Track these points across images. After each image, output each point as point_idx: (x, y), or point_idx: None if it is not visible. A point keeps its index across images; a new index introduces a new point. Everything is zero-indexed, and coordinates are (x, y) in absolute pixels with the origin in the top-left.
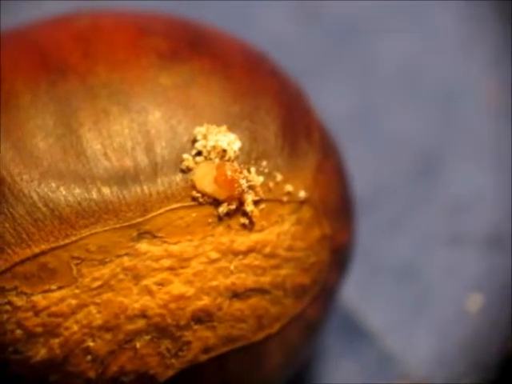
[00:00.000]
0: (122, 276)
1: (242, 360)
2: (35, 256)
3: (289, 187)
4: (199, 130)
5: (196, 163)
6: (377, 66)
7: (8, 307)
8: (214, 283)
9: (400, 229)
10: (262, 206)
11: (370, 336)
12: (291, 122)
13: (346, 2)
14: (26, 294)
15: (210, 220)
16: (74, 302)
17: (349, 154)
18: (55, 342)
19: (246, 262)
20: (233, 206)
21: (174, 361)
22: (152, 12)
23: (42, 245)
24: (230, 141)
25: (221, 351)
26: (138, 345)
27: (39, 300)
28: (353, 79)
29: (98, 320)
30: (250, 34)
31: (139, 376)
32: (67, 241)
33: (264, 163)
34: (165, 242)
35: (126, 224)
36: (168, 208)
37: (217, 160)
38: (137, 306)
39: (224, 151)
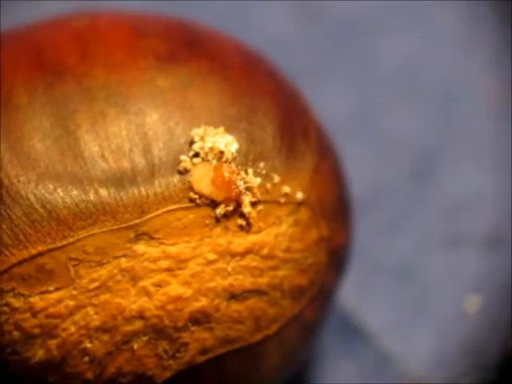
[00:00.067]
0: (119, 277)
1: (239, 361)
2: (32, 257)
3: (286, 188)
4: (197, 132)
5: (193, 165)
6: (377, 66)
7: (6, 308)
8: (212, 284)
9: (399, 229)
10: (260, 207)
11: (368, 337)
12: (289, 124)
13: (345, 1)
14: (23, 295)
15: (207, 221)
16: (71, 303)
17: (348, 153)
18: (53, 343)
19: (243, 263)
20: (230, 208)
21: (171, 362)
22: (150, 13)
23: (40, 246)
24: (227, 142)
25: (218, 352)
26: (135, 346)
27: (37, 301)
28: (353, 79)
29: (96, 321)
30: (249, 34)
31: (137, 377)
32: (64, 242)
33: (261, 165)
34: (162, 243)
35: (124, 225)
36: (165, 209)
37: (214, 161)
38: (134, 307)
39: (221, 153)
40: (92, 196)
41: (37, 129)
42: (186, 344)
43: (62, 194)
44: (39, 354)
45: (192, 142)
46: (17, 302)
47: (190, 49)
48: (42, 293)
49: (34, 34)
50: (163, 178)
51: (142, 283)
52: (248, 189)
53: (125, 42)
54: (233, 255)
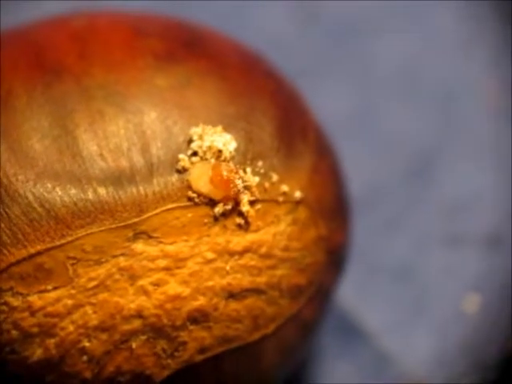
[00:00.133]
0: (117, 276)
1: (237, 360)
2: (31, 256)
3: (284, 187)
4: (195, 131)
5: (192, 163)
6: (376, 66)
7: (4, 307)
8: (210, 283)
9: (398, 229)
10: (258, 206)
11: (367, 336)
12: (287, 123)
13: (345, 1)
14: (21, 294)
15: (205, 220)
16: (69, 302)
17: (347, 153)
18: (51, 342)
19: (241, 262)
20: (228, 207)
21: (169, 361)
22: (148, 13)
23: (38, 245)
24: (225, 141)
25: (216, 351)
26: (133, 345)
27: (35, 300)
28: (352, 79)
29: (94, 320)
30: (248, 34)
31: (135, 376)
32: (63, 241)
33: (260, 163)
34: (161, 242)
35: (122, 224)
36: (164, 208)
37: (212, 160)
38: (133, 306)
39: (220, 151)
40: (90, 195)
41: (35, 128)
42: (184, 343)
43: (60, 193)
44: (37, 353)
45: (190, 141)
46: (15, 301)
47: (188, 48)
48: (41, 292)
49: (34, 34)
50: (162, 177)
51: (141, 282)
52: (246, 188)
53: (123, 42)
54: (231, 254)
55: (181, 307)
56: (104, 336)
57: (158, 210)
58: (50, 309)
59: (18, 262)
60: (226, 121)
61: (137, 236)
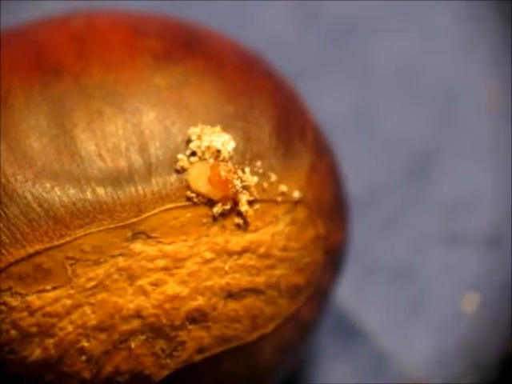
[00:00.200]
0: (116, 276)
1: (236, 360)
2: (30, 256)
3: (283, 187)
4: (193, 131)
5: (190, 163)
6: (375, 66)
7: (3, 307)
8: (209, 283)
9: (396, 228)
10: (257, 206)
11: (365, 336)
12: (285, 123)
13: (344, 1)
14: (20, 294)
15: (204, 220)
16: (68, 302)
17: (346, 153)
18: (50, 342)
19: (240, 262)
20: (227, 206)
21: (168, 361)
22: (147, 13)
23: (37, 245)
24: (224, 141)
25: (215, 351)
26: (132, 345)
27: (34, 300)
28: (351, 79)
29: (93, 320)
30: (248, 34)
31: (134, 376)
32: (62, 241)
33: (258, 163)
34: (159, 242)
35: (121, 224)
36: (162, 208)
37: (211, 160)
38: (131, 306)
39: (218, 151)
40: (89, 195)
41: (33, 127)
42: (183, 343)
43: (59, 193)
44: (36, 353)
45: (189, 141)
46: (14, 301)
47: (187, 48)
48: (39, 292)
49: (33, 34)
50: (160, 177)
51: (139, 282)
52: (245, 187)
53: (122, 42)
54: (230, 254)
55: (179, 307)
56: (103, 336)
57: (156, 210)
58: (48, 309)
59: (17, 262)
60: (225, 120)
61: (135, 236)
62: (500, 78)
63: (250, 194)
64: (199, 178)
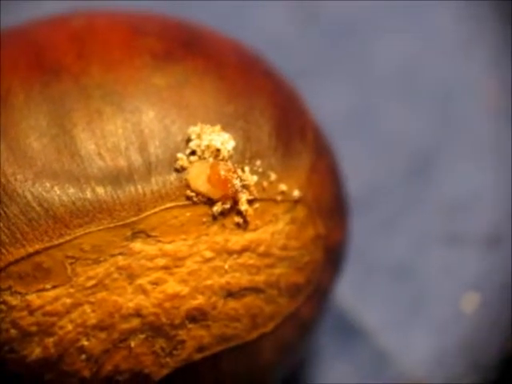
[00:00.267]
0: (116, 275)
1: (236, 359)
2: (29, 255)
3: (283, 186)
4: (193, 130)
5: (190, 162)
6: (375, 66)
7: (3, 306)
8: (209, 282)
9: (396, 228)
10: (256, 205)
11: (365, 336)
12: (285, 123)
13: (344, 1)
14: (20, 293)
15: (204, 219)
16: (68, 301)
17: (346, 153)
18: (50, 341)
19: (240, 261)
20: (227, 206)
21: (168, 360)
22: (146, 12)
23: (37, 244)
24: (223, 140)
25: (215, 350)
26: (132, 344)
27: (34, 299)
28: (351, 79)
29: (93, 319)
30: (248, 34)
31: (134, 375)
32: (61, 240)
33: (258, 162)
34: (159, 241)
35: (120, 223)
36: (162, 207)
37: (211, 159)
38: (131, 305)
39: (218, 150)
40: (89, 194)
41: (33, 127)
42: (182, 342)
43: (58, 192)
44: (36, 352)
45: (189, 140)
46: (14, 300)
47: (186, 48)
48: (39, 291)
49: (33, 34)
50: (160, 176)
51: (139, 281)
52: (244, 186)
53: (122, 41)
54: (230, 253)
55: (179, 306)
56: (102, 335)
57: (156, 209)
58: (48, 308)
59: (17, 261)
60: (225, 120)
61: (135, 235)
62: (500, 78)
63: (250, 193)
64: (199, 177)
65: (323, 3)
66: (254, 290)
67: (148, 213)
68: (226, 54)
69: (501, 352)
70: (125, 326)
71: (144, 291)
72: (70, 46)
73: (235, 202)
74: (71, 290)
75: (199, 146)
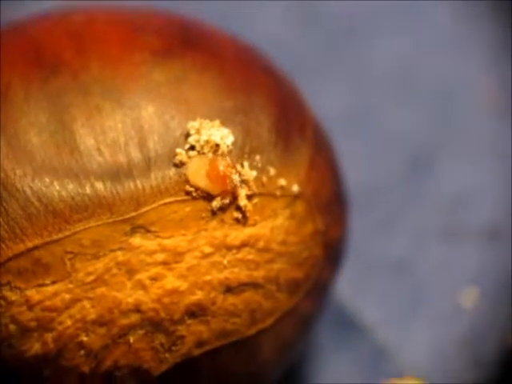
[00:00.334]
0: (115, 270)
1: (235, 354)
2: (29, 251)
3: (282, 181)
4: (192, 125)
5: (189, 158)
6: (374, 65)
7: (2, 302)
8: (208, 278)
9: (396, 224)
10: (256, 200)
11: (364, 331)
12: (285, 118)
13: (344, 2)
14: (19, 288)
15: (203, 214)
16: (67, 296)
17: (345, 151)
18: (49, 336)
19: (239, 256)
20: (226, 201)
21: (167, 355)
22: (145, 9)
23: (36, 239)
24: (223, 135)
25: (214, 345)
26: (131, 339)
27: (33, 294)
28: (351, 79)
29: (92, 314)
30: (248, 33)
31: (133, 370)
32: (61, 235)
33: (257, 158)
34: (158, 236)
35: (120, 218)
36: (161, 202)
37: (210, 154)
38: (130, 300)
39: (217, 146)
40: (88, 189)
41: (33, 123)
42: (182, 337)
43: (58, 188)
44: (35, 348)
45: (188, 135)
46: (13, 296)
47: (185, 44)
48: (38, 286)
49: (32, 30)
50: (159, 171)
51: (138, 276)
52: (244, 182)
53: (121, 38)
54: (229, 248)
55: (178, 301)
56: (102, 330)
57: (155, 204)
58: (47, 303)
59: (16, 257)
60: (224, 115)
61: (134, 230)
62: (499, 77)
63: (249, 188)
64: (198, 173)
65: (323, 3)
66: (253, 285)
67: (147, 208)
68: (224, 49)
69: (500, 347)
70: (124, 321)
71: (143, 286)
72: (70, 42)
73: (234, 197)
74: (70, 286)
75: (198, 141)
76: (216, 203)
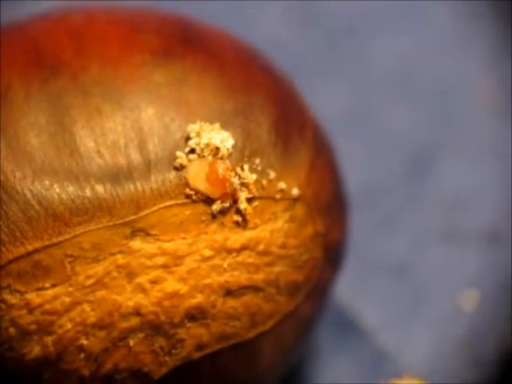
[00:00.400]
0: (115, 274)
1: (235, 357)
2: (29, 254)
3: (282, 185)
4: (192, 128)
5: (189, 161)
6: (374, 66)
7: (2, 305)
8: (208, 281)
9: (395, 226)
10: (256, 203)
11: (364, 333)
12: (284, 120)
13: (344, 2)
14: (19, 291)
15: (203, 217)
16: (67, 299)
17: (345, 151)
18: (49, 339)
19: (239, 259)
20: (226, 204)
21: (167, 358)
22: (145, 9)
23: (36, 242)
24: (223, 138)
25: (214, 348)
26: (131, 342)
27: (33, 298)
28: (351, 79)
29: (92, 318)
30: (248, 34)
31: (133, 373)
32: (61, 238)
33: (257, 161)
34: (158, 239)
35: (120, 221)
36: (161, 205)
37: (210, 158)
38: (130, 303)
39: (217, 149)
40: (88, 192)
41: (32, 124)
42: (182, 340)
43: (58, 190)
44: (35, 351)
45: (188, 138)
46: (13, 299)
47: (185, 44)
48: (39, 289)
49: (32, 30)
50: (159, 174)
51: (138, 280)
52: (244, 185)
53: (121, 38)
54: (229, 251)
55: (178, 304)
56: (102, 333)
57: (155, 207)
58: (47, 306)
59: (16, 260)
60: (224, 117)
61: (134, 233)
62: (500, 77)
63: (249, 191)
64: (197, 176)
65: (323, 3)
66: (253, 288)
67: (147, 211)
68: (224, 50)
69: (500, 349)
70: (124, 324)
71: (143, 290)
72: (69, 42)
73: (234, 201)
74: (70, 289)
75: (198, 144)
76: (216, 206)
